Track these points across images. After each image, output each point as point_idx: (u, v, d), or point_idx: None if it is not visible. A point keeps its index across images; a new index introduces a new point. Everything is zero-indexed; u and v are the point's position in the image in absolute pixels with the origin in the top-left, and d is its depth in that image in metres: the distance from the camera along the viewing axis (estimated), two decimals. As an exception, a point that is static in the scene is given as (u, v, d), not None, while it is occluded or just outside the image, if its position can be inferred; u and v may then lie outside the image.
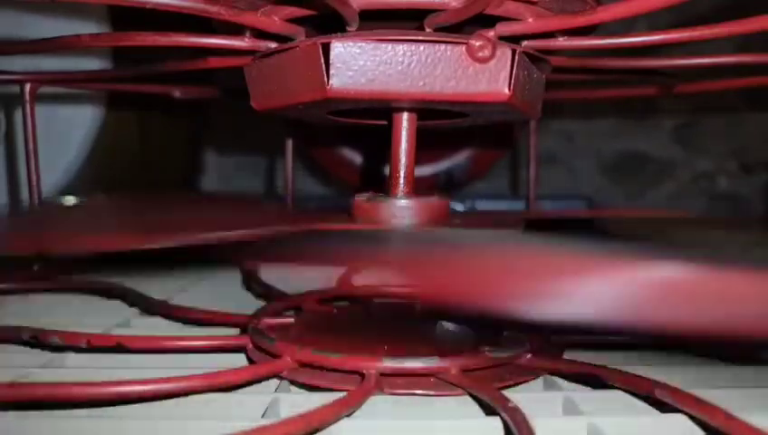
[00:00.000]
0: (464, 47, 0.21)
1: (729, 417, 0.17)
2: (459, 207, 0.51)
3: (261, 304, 0.31)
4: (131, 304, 0.33)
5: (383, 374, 0.21)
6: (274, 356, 0.23)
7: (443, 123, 0.27)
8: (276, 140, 0.51)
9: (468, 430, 0.19)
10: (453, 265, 0.16)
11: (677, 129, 0.78)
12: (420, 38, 0.22)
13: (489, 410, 0.20)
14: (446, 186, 0.62)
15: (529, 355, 0.23)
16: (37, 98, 0.35)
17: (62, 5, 0.44)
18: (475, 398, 0.21)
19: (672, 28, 0.22)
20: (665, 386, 0.19)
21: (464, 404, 0.21)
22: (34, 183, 0.35)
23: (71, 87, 0.42)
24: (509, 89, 0.22)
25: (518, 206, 0.51)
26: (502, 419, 0.19)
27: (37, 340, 0.25)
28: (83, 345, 0.25)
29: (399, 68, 0.21)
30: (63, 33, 0.26)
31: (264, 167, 0.81)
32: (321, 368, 0.22)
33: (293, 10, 0.23)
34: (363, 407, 0.20)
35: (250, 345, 0.24)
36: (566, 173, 0.79)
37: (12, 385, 0.20)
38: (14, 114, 0.46)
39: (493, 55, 0.21)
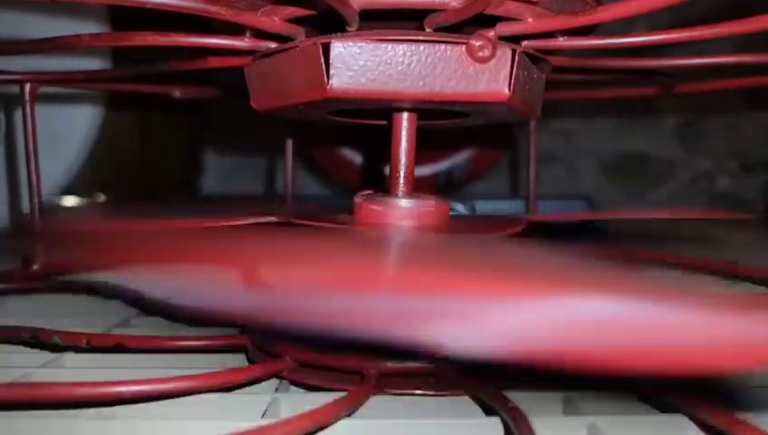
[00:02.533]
0: (464, 47, 0.21)
1: (729, 417, 0.17)
2: (459, 207, 0.51)
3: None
4: (131, 304, 0.33)
5: (383, 374, 0.21)
6: (274, 356, 0.23)
7: (443, 123, 0.27)
8: (276, 140, 0.51)
9: (468, 429, 0.19)
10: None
11: (678, 128, 0.78)
12: (420, 38, 0.22)
13: (489, 410, 0.20)
14: (446, 186, 0.62)
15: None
16: (37, 98, 0.35)
17: (62, 5, 0.44)
18: (475, 398, 0.21)
19: (672, 28, 0.22)
20: (664, 386, 0.19)
21: (464, 404, 0.21)
22: (34, 183, 0.35)
23: (71, 87, 0.42)
24: (509, 89, 0.22)
25: (518, 206, 0.51)
26: (502, 419, 0.19)
27: (37, 340, 0.25)
28: (83, 345, 0.25)
29: (399, 68, 0.21)
30: (63, 33, 0.25)
31: (264, 167, 0.81)
32: (321, 368, 0.22)
33: (293, 10, 0.23)
34: (363, 407, 0.20)
35: (250, 345, 0.24)
36: (566, 173, 0.79)
37: (12, 385, 0.20)
38: (14, 114, 0.46)
39: (493, 55, 0.21)
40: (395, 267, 0.13)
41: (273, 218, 0.26)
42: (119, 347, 0.24)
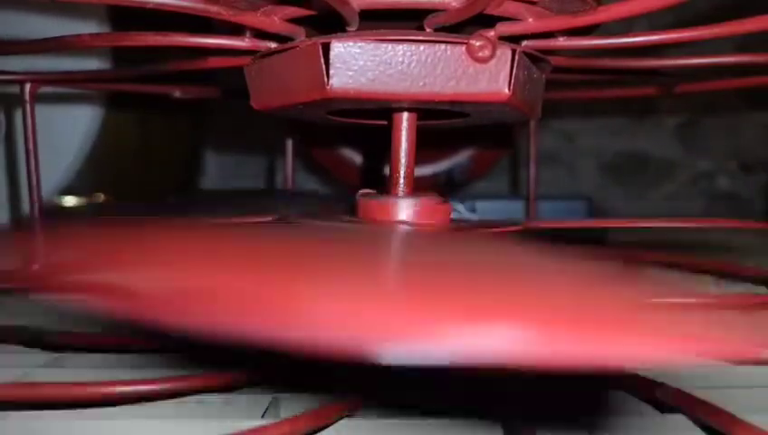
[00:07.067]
0: (464, 47, 0.21)
1: (730, 417, 0.17)
2: (459, 207, 0.51)
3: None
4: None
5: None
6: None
7: (443, 123, 0.27)
8: (276, 140, 0.51)
9: (468, 429, 0.19)
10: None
11: (678, 128, 0.78)
12: (420, 38, 0.22)
13: (489, 411, 0.20)
14: (446, 186, 0.62)
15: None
16: (37, 98, 0.35)
17: (61, 5, 0.44)
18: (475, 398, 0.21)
19: (672, 28, 0.22)
20: (665, 386, 0.19)
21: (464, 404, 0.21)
22: (34, 183, 0.35)
23: (71, 87, 0.42)
24: (509, 89, 0.22)
25: (518, 205, 0.51)
26: (502, 418, 0.19)
27: (37, 340, 0.25)
28: (83, 345, 0.25)
29: (399, 68, 0.21)
30: (63, 33, 0.25)
31: (264, 167, 0.81)
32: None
33: (293, 10, 0.23)
34: (363, 407, 0.20)
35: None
36: (566, 173, 0.79)
37: (12, 385, 0.20)
38: (15, 114, 0.46)
39: (493, 55, 0.21)
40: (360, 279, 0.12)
41: (271, 217, 0.26)
42: (119, 347, 0.24)
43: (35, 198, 0.35)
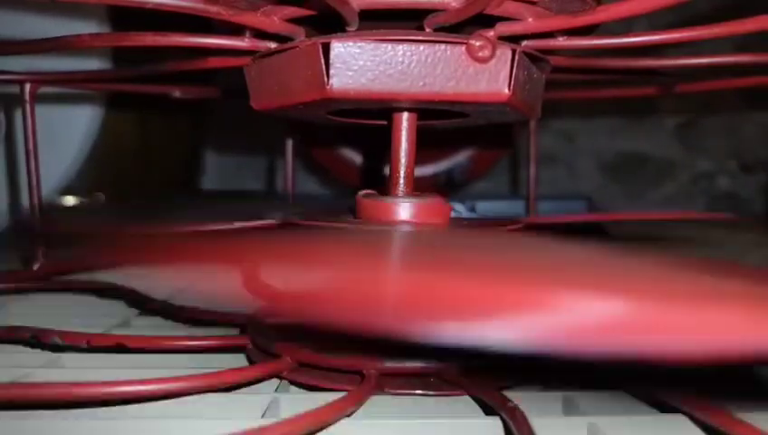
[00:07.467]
0: (464, 47, 0.21)
1: (729, 417, 0.17)
2: (459, 207, 0.51)
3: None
4: (131, 304, 0.33)
5: (383, 374, 0.21)
6: (274, 356, 0.23)
7: (443, 123, 0.27)
8: (276, 140, 0.51)
9: (468, 429, 0.19)
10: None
11: (677, 128, 0.78)
12: (420, 38, 0.22)
13: (489, 411, 0.20)
14: (446, 186, 0.62)
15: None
16: (37, 98, 0.35)
17: (61, 5, 0.44)
18: (475, 398, 0.21)
19: (672, 28, 0.22)
20: (665, 386, 0.19)
21: (464, 404, 0.21)
22: (34, 184, 0.35)
23: (71, 87, 0.42)
24: (509, 89, 0.22)
25: (518, 206, 0.51)
26: (502, 419, 0.19)
27: (37, 340, 0.25)
28: (83, 345, 0.25)
29: (399, 68, 0.21)
30: (63, 33, 0.25)
31: (264, 167, 0.81)
32: (321, 368, 0.22)
33: (293, 10, 0.23)
34: (363, 407, 0.20)
35: (250, 345, 0.24)
36: (566, 173, 0.79)
37: (12, 385, 0.20)
38: (14, 114, 0.46)
39: (493, 55, 0.21)
40: (412, 267, 0.13)
41: (274, 220, 0.26)
42: (119, 347, 0.24)
43: (35, 198, 0.35)
